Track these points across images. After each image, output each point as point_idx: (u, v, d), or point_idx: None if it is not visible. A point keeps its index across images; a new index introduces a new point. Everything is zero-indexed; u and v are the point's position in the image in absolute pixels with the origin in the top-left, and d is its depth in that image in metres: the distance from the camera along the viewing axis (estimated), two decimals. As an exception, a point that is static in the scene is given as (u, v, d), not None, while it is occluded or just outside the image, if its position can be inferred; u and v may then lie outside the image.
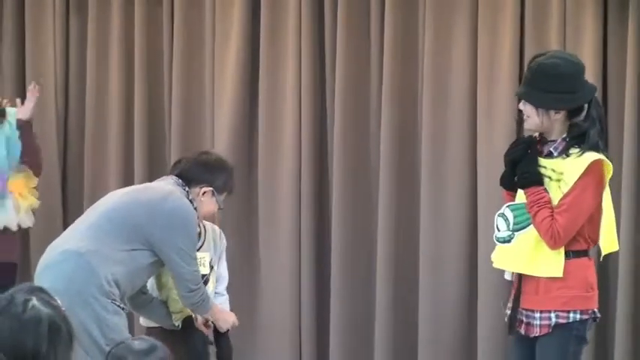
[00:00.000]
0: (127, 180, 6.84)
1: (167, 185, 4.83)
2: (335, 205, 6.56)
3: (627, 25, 6.10)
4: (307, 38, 6.58)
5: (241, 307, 6.41)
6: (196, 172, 4.93)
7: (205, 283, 5.16)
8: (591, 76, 5.82)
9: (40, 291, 3.10)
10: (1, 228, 6.21)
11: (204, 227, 5.27)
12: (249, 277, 6.78)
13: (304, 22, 6.57)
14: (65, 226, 6.52)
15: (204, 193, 4.85)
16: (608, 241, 4.91)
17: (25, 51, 7.03)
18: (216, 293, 5.29)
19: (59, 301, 3.11)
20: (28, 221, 6.30)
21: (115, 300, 4.66)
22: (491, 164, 6.27)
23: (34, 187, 6.35)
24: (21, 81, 7.01)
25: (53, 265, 4.72)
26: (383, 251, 6.33)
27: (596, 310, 4.86)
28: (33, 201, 6.35)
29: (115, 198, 4.95)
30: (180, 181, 4.83)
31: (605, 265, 6.03)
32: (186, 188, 4.87)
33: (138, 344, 3.79)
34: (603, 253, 4.93)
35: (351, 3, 6.50)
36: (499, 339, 6.21)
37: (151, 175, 6.75)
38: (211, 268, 5.24)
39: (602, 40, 6.20)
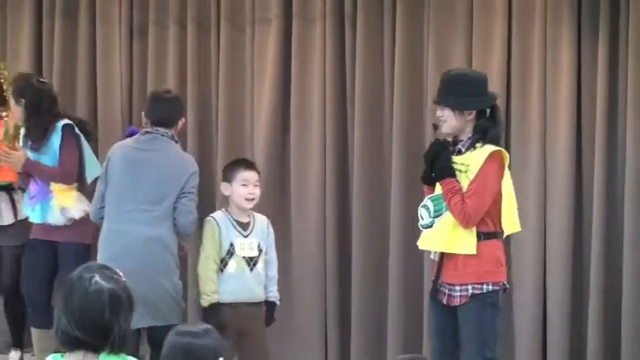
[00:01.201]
0: None
1: None
2: (355, 194, 6.75)
3: (597, 50, 6.30)
4: (331, 59, 6.87)
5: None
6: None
7: (255, 264, 5.64)
8: (567, 93, 6.34)
9: (103, 268, 3.39)
10: (54, 224, 6.35)
11: (254, 217, 5.71)
12: (282, 260, 6.73)
13: (328, 44, 6.88)
14: None
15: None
16: (509, 222, 5.17)
17: (95, 71, 7.34)
18: (268, 274, 5.70)
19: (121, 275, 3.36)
20: (76, 214, 6.35)
21: None
22: None
23: (74, 188, 6.39)
24: (93, 97, 7.33)
25: None
26: (395, 239, 6.58)
27: (505, 282, 5.16)
28: (69, 202, 6.38)
29: None
30: None
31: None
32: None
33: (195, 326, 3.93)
34: (506, 233, 5.18)
35: (368, 26, 6.76)
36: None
37: (201, 172, 6.69)
38: (260, 251, 5.67)
39: (577, 59, 6.41)
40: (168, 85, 7.03)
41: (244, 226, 5.68)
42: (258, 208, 6.12)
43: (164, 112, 5.85)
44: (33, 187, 6.41)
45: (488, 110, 5.11)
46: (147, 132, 5.80)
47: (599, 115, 6.31)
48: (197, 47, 7.14)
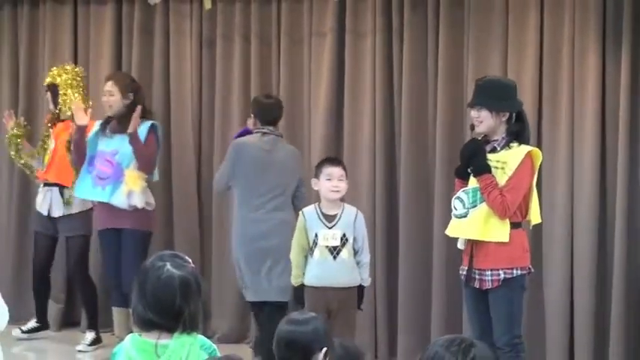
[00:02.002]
0: None
1: None
2: (402, 189, 7.03)
3: (621, 58, 6.62)
4: (380, 69, 7.19)
5: None
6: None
7: (338, 253, 5.91)
8: (592, 98, 6.67)
9: (174, 257, 3.46)
10: (126, 207, 6.83)
11: (343, 209, 5.96)
12: None
13: (377, 56, 7.19)
14: (200, 209, 7.66)
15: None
16: (535, 214, 5.55)
17: (169, 80, 7.76)
18: (360, 260, 5.94)
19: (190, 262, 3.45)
20: (139, 203, 6.87)
21: None
22: None
23: (144, 179, 6.89)
24: (167, 103, 7.73)
25: None
26: (438, 234, 6.77)
27: (530, 266, 5.47)
28: (138, 188, 6.86)
29: None
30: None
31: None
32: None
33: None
34: (532, 223, 5.59)
35: (413, 40, 7.11)
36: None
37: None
38: (344, 241, 5.89)
39: (602, 66, 6.69)
40: (234, 94, 7.52)
41: (330, 218, 5.94)
42: (315, 199, 6.50)
43: (272, 113, 6.82)
44: (106, 169, 6.91)
45: (514, 114, 5.44)
46: (265, 133, 6.76)
47: (622, 115, 6.60)
48: (260, 58, 7.53)
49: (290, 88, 7.50)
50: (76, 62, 7.88)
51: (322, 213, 5.98)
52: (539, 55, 6.89)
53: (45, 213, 7.42)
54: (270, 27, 7.54)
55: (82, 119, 6.95)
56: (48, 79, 7.43)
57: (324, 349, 3.64)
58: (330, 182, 5.97)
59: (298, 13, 7.48)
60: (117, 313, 7.13)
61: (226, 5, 7.63)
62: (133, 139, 6.83)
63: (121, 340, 6.04)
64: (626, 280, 6.63)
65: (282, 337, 3.64)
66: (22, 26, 8.17)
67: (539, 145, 6.65)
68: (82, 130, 6.96)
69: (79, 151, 7.02)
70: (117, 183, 6.89)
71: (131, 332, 3.48)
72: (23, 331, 7.61)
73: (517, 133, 5.43)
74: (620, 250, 6.64)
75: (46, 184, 7.44)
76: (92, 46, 7.99)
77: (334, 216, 5.90)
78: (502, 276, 5.36)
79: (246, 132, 6.84)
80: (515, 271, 5.40)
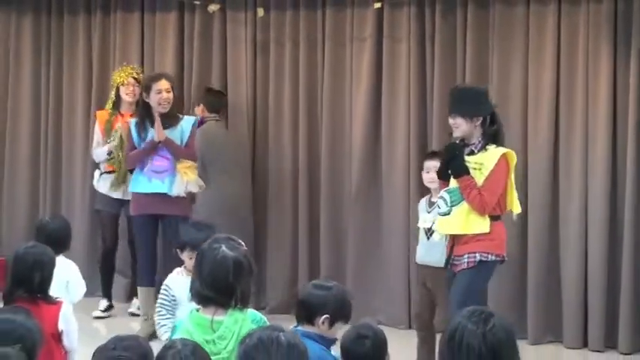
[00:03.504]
0: (294, 162, 7.98)
1: None
2: None
3: (630, 64, 6.94)
4: (414, 71, 7.57)
5: (368, 251, 7.73)
6: None
7: (431, 234, 6.10)
8: (605, 99, 7.00)
9: (228, 239, 3.63)
10: (177, 194, 7.06)
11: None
12: (375, 232, 7.74)
13: (412, 59, 7.57)
14: (255, 200, 8.03)
15: None
16: (515, 205, 5.71)
17: (227, 82, 8.12)
18: None
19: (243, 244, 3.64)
20: (194, 188, 7.17)
21: None
22: (538, 167, 7.20)
23: (195, 167, 7.14)
24: (224, 102, 8.02)
25: None
26: None
27: (505, 255, 5.60)
28: (192, 177, 7.12)
29: None
30: None
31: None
32: None
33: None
34: (515, 213, 5.74)
35: (444, 45, 7.45)
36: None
37: (307, 161, 7.90)
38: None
39: (613, 70, 7.04)
40: (285, 93, 7.92)
41: (432, 204, 6.15)
42: (357, 190, 7.19)
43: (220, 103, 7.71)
44: (161, 163, 7.07)
45: (488, 117, 5.58)
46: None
47: (630, 114, 6.95)
48: (307, 60, 7.92)
49: (333, 87, 7.88)
50: (142, 65, 8.32)
51: (429, 200, 6.26)
52: (556, 58, 7.24)
53: (119, 197, 7.70)
54: (315, 32, 7.92)
55: (162, 136, 7.09)
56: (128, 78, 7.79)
57: (325, 316, 3.86)
58: (428, 175, 6.26)
59: (341, 20, 7.86)
60: (145, 292, 7.31)
61: (277, 13, 8.02)
62: (167, 144, 7.07)
63: (147, 316, 6.74)
64: (634, 257, 7.02)
65: (298, 298, 3.94)
66: (95, 33, 8.62)
67: (556, 142, 7.12)
68: (155, 145, 7.10)
69: (143, 160, 7.16)
70: (173, 175, 7.09)
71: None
72: (102, 311, 7.99)
73: (493, 136, 5.58)
74: (628, 234, 7.08)
75: (112, 171, 7.73)
76: (157, 50, 8.38)
77: (435, 202, 6.02)
78: (478, 258, 5.49)
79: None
80: (490, 256, 5.53)
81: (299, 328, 3.91)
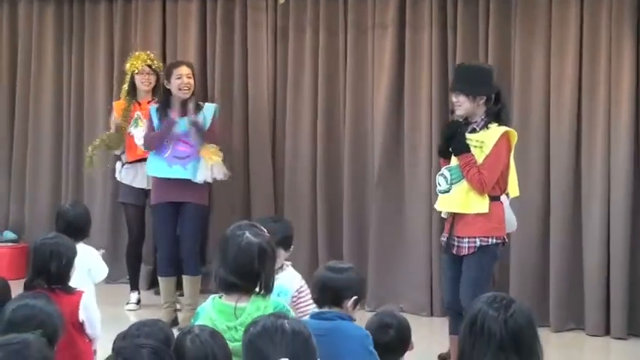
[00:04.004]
0: (312, 152, 8.01)
1: None
2: None
3: None
4: (436, 58, 7.62)
5: (390, 237, 7.78)
6: None
7: None
8: (627, 88, 7.07)
9: (251, 226, 3.67)
10: (202, 180, 7.05)
11: None
12: (397, 220, 7.79)
13: (434, 46, 7.60)
14: (275, 189, 8.12)
15: None
16: (513, 188, 5.71)
17: (247, 68, 8.19)
18: None
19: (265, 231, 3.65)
20: (219, 175, 7.15)
21: None
22: (560, 156, 7.24)
23: (220, 150, 7.11)
24: (245, 88, 8.16)
25: None
26: None
27: (505, 237, 5.61)
28: (217, 160, 7.09)
29: None
30: None
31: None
32: None
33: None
34: (510, 196, 5.71)
35: (466, 34, 7.49)
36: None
37: (329, 146, 7.95)
38: None
39: (636, 59, 7.09)
40: (305, 78, 7.94)
41: None
42: (380, 176, 7.24)
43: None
44: (184, 149, 7.02)
45: (493, 97, 5.55)
46: None
47: None
48: (328, 47, 7.96)
49: (355, 74, 7.94)
50: (164, 53, 8.39)
51: None
52: (578, 48, 7.28)
53: (143, 186, 7.65)
54: (337, 19, 7.95)
55: (193, 116, 7.09)
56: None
57: (354, 297, 3.88)
58: None
59: (363, 7, 7.88)
60: (165, 281, 7.33)
61: (298, 1, 8.09)
62: (196, 123, 7.04)
63: (168, 305, 6.87)
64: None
65: (318, 282, 3.95)
66: (117, 21, 8.67)
67: (578, 131, 7.14)
68: (172, 124, 7.04)
69: (161, 141, 7.11)
70: (196, 161, 7.08)
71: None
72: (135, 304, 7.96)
73: (496, 115, 5.57)
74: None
75: (134, 161, 7.69)
76: (179, 38, 8.43)
77: None
78: (478, 243, 5.49)
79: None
80: (490, 240, 5.53)
81: (331, 310, 3.91)
